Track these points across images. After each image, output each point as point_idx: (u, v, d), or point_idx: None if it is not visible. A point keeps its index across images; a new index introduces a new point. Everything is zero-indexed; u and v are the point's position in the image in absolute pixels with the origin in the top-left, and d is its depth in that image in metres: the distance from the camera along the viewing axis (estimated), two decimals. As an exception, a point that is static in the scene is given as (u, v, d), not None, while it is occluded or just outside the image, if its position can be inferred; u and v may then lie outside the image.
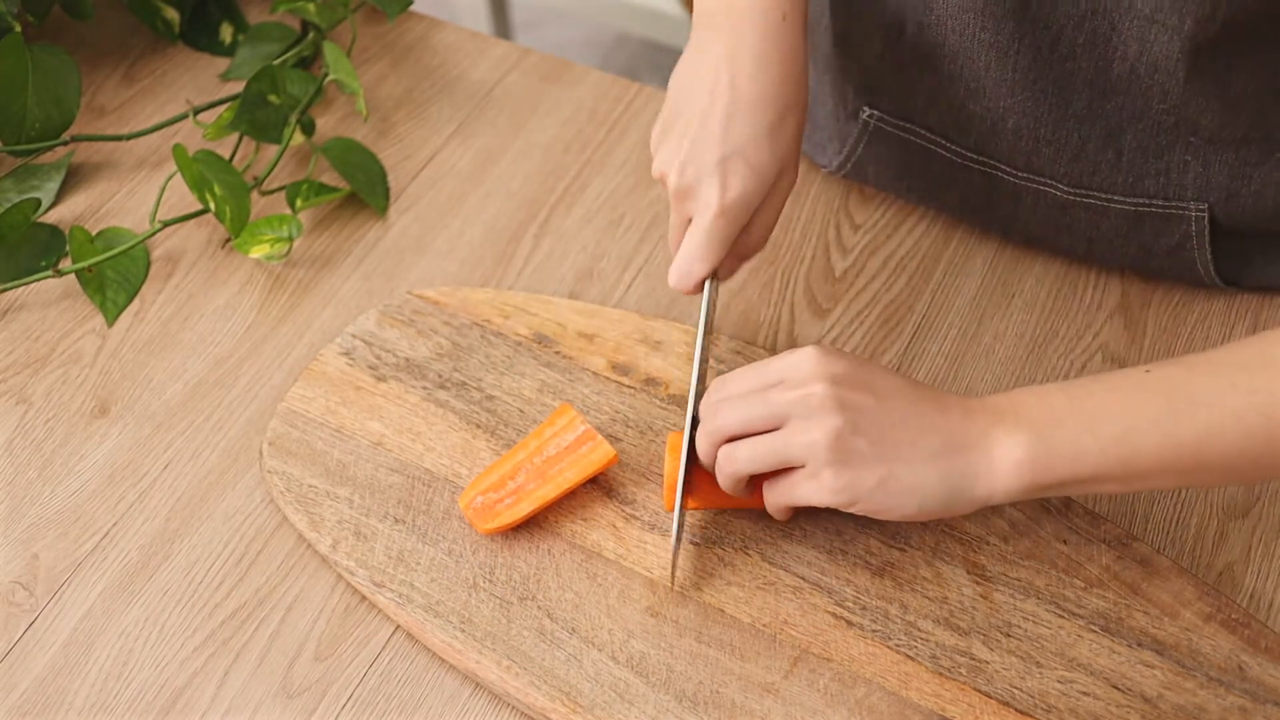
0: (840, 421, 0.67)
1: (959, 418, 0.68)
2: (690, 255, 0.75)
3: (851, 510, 0.69)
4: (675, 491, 0.74)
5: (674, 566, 0.75)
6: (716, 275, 0.77)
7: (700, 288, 0.76)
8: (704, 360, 0.76)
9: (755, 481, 0.73)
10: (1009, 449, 0.67)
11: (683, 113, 0.76)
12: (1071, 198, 0.86)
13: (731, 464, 0.70)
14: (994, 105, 0.83)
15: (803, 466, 0.69)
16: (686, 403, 0.83)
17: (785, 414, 0.69)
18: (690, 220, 0.76)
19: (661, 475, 0.80)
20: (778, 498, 0.71)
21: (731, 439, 0.71)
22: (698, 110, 0.75)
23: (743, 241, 0.78)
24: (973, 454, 0.67)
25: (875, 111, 0.91)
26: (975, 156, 0.88)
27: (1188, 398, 0.66)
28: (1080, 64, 0.79)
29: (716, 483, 0.73)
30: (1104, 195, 0.85)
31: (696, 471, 0.75)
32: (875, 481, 0.67)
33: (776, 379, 0.70)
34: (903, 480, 0.67)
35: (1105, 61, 0.78)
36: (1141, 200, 0.85)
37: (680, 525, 0.75)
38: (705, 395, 0.73)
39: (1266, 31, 0.74)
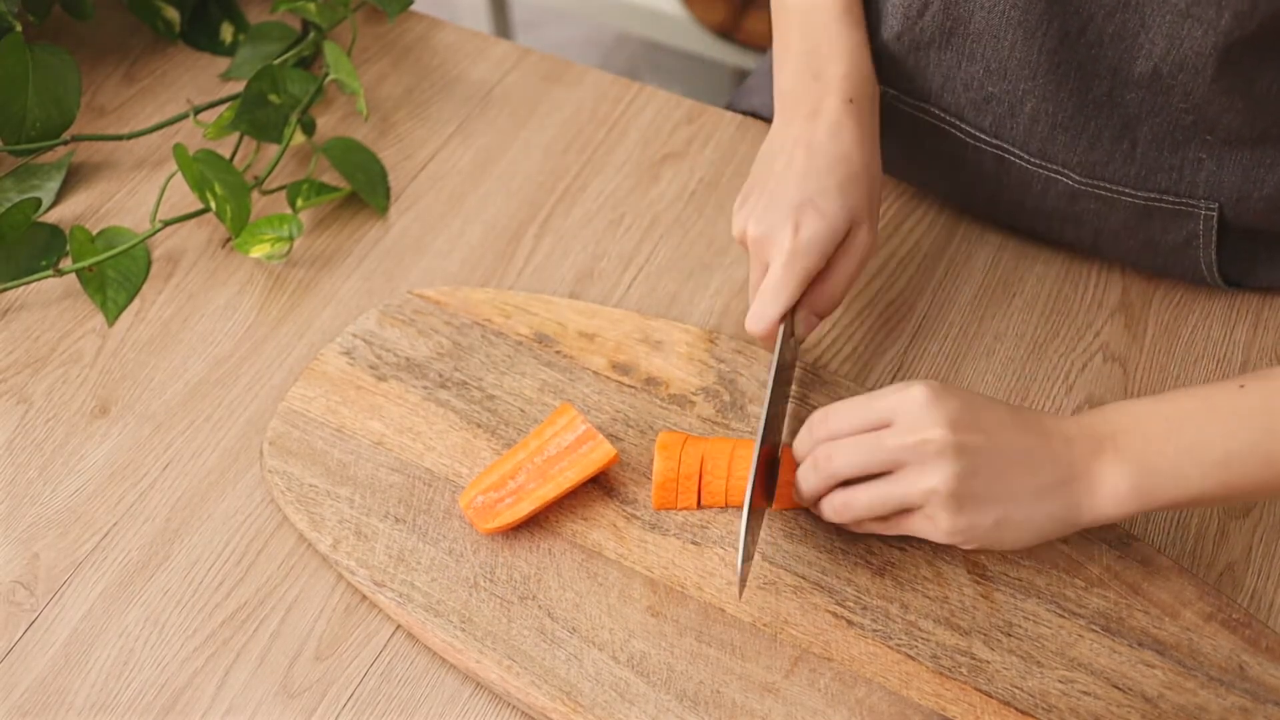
0: (960, 468, 0.68)
1: (1062, 447, 0.70)
2: (765, 297, 0.77)
3: (969, 548, 0.71)
4: (665, 491, 0.75)
5: (742, 582, 0.73)
6: (794, 333, 0.79)
7: (775, 331, 0.78)
8: (771, 409, 0.76)
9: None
10: (1115, 481, 0.69)
11: (761, 179, 0.81)
12: (1082, 187, 0.86)
13: (850, 512, 0.72)
14: (1014, 87, 0.83)
15: (919, 508, 0.70)
16: (684, 404, 0.83)
17: (902, 460, 0.69)
18: (767, 268, 0.79)
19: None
20: (887, 530, 0.73)
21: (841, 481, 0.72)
22: (775, 173, 0.80)
23: (817, 294, 0.80)
24: (1079, 485, 0.69)
25: (890, 90, 0.91)
26: (989, 139, 0.88)
27: None
28: (1105, 52, 0.79)
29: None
30: (1114, 187, 0.85)
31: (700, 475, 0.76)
32: (991, 523, 0.69)
33: (886, 418, 0.70)
34: (1015, 518, 0.69)
35: (1130, 56, 0.78)
36: (1152, 195, 0.85)
37: (752, 540, 0.73)
38: (806, 428, 0.74)
39: None
